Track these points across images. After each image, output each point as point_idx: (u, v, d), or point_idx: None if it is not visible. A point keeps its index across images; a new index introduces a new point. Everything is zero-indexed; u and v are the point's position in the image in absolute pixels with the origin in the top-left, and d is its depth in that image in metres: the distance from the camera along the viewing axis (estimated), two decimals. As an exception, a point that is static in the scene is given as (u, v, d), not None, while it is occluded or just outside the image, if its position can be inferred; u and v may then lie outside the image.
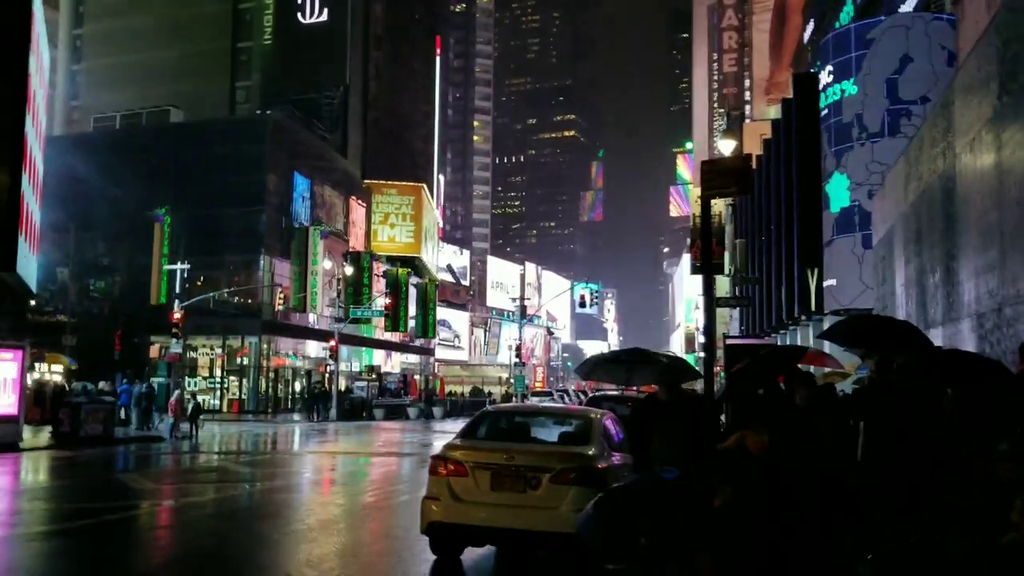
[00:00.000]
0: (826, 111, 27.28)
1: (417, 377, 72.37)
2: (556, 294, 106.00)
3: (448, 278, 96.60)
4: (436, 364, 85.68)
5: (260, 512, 13.32)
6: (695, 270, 31.20)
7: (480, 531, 8.74)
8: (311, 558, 9.82)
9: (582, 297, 59.45)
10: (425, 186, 78.59)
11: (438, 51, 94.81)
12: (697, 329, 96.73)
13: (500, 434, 9.74)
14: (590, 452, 8.87)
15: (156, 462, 22.57)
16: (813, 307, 28.71)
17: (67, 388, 32.50)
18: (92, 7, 72.40)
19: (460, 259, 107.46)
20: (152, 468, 21.21)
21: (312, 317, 57.27)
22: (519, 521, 8.44)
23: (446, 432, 36.52)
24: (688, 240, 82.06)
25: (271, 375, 52.66)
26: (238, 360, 51.85)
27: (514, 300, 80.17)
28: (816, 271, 28.52)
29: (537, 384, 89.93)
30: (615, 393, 21.12)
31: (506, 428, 9.97)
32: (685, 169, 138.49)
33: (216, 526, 11.93)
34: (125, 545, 10.82)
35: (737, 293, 31.19)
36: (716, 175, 7.97)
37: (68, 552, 10.27)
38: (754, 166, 38.32)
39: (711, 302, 9.50)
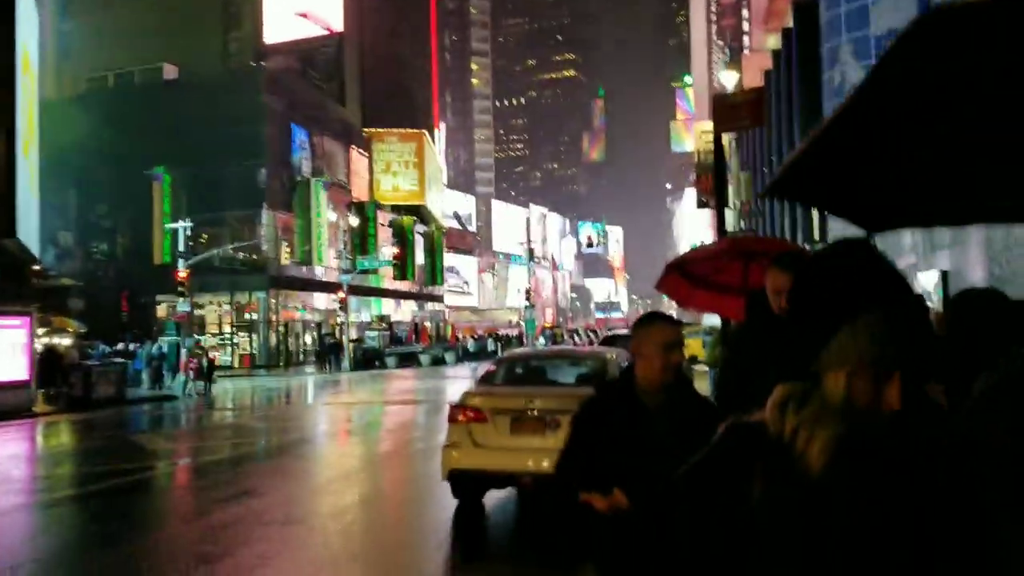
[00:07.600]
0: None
1: (428, 324, 72.47)
2: (562, 236, 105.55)
3: (454, 225, 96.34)
4: (446, 311, 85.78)
5: (278, 466, 13.32)
6: (700, 204, 31.15)
7: (501, 475, 8.75)
8: (334, 510, 9.87)
9: (588, 238, 59.27)
10: (426, 132, 77.81)
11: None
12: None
13: (518, 379, 9.77)
14: None
15: (172, 421, 22.65)
16: (816, 236, 28.65)
17: (76, 351, 32.40)
18: (78, -35, 71.25)
19: (465, 205, 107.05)
20: (167, 427, 21.29)
21: (319, 269, 57.13)
22: (540, 464, 8.39)
23: (458, 377, 36.65)
24: (692, 175, 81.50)
25: (281, 329, 52.68)
26: (247, 315, 51.90)
27: (521, 244, 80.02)
28: (819, 202, 28.28)
29: (546, 324, 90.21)
30: (627, 332, 20.92)
31: (523, 373, 9.97)
32: (693, 102, 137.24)
33: (235, 483, 11.90)
34: (147, 505, 10.88)
35: (742, 226, 31.04)
36: (728, 109, 7.75)
37: (81, 515, 10.28)
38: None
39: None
